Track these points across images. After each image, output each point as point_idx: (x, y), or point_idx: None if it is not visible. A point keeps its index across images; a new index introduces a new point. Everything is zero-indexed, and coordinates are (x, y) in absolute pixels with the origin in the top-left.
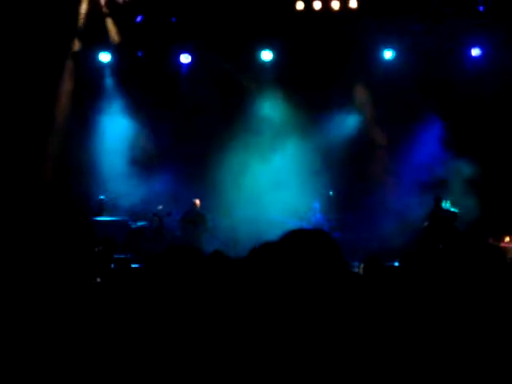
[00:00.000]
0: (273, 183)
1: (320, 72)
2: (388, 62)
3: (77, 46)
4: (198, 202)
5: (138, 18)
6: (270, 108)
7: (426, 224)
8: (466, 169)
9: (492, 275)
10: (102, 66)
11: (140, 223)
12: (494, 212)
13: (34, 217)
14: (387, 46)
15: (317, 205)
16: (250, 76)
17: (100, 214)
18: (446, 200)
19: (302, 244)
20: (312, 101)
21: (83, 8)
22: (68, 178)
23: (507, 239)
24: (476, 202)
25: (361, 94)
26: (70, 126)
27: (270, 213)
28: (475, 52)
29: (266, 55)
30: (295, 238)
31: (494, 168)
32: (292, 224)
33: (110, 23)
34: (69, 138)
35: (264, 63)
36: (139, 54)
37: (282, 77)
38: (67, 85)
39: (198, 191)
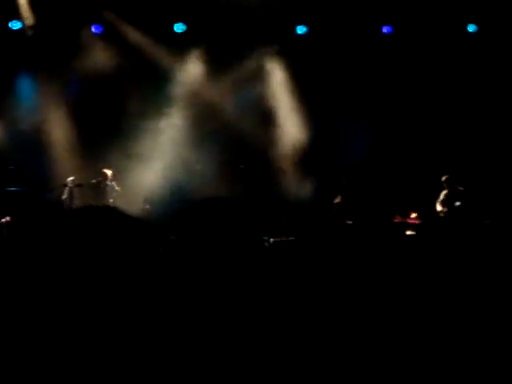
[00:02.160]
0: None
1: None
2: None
3: None
4: (108, 173)
5: None
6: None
7: (337, 200)
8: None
9: (392, 250)
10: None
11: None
12: (401, 188)
13: None
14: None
15: None
16: (163, 48)
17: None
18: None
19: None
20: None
21: None
22: None
23: (414, 215)
24: (381, 179)
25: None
26: None
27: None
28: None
29: (179, 27)
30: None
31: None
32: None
33: None
34: None
35: (177, 35)
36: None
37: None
38: None
39: (107, 162)
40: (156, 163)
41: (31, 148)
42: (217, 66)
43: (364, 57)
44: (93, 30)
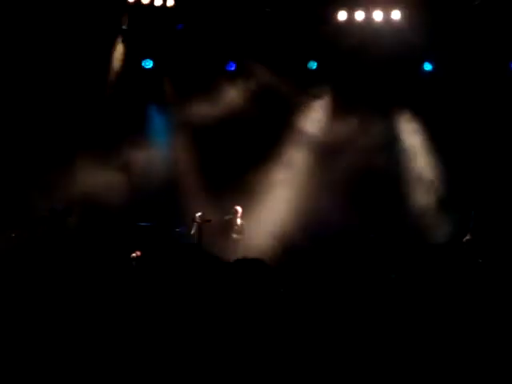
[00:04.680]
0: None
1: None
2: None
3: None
4: (239, 209)
5: (179, 26)
6: (311, 122)
7: (467, 237)
8: None
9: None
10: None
11: (179, 229)
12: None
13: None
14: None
15: None
16: (293, 87)
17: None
18: None
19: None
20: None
21: None
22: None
23: None
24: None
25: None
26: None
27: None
28: None
29: (312, 65)
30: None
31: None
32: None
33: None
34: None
35: (309, 73)
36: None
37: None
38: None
39: (236, 199)
40: (282, 200)
41: (162, 183)
42: (344, 105)
43: (492, 94)
44: (227, 67)
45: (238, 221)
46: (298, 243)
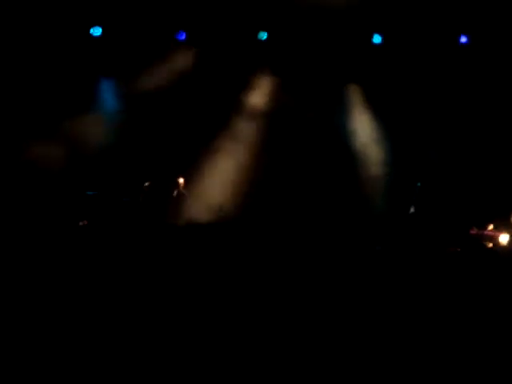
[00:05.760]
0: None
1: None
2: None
3: None
4: (181, 180)
5: None
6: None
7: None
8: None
9: (473, 263)
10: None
11: (126, 198)
12: (477, 200)
13: None
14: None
15: None
16: (243, 56)
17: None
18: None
19: None
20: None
21: None
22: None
23: (491, 227)
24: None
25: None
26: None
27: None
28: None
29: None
30: None
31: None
32: None
33: None
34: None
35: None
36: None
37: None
38: None
39: (181, 170)
40: (228, 171)
41: (109, 152)
42: (293, 78)
43: (440, 67)
44: (176, 36)
45: (181, 191)
46: (238, 215)
